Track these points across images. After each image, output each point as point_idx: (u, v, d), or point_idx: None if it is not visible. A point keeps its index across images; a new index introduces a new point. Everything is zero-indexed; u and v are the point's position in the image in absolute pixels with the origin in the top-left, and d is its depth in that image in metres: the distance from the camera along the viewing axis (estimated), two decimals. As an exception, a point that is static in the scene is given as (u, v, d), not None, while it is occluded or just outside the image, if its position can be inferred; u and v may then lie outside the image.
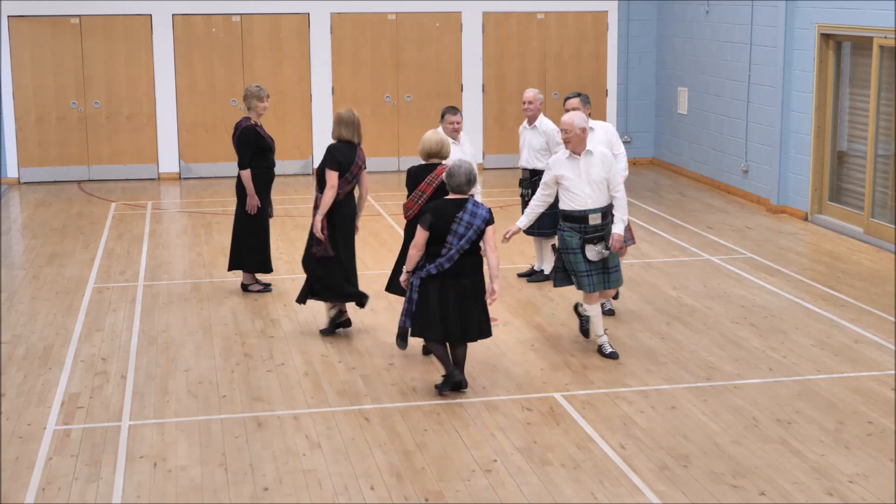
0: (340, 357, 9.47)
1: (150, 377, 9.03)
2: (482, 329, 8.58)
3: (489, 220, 8.37)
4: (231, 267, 11.48)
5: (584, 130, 9.06)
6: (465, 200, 8.38)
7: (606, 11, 19.06)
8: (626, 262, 12.52)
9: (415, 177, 9.28)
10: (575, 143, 9.07)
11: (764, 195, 15.68)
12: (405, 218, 9.38)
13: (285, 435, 7.83)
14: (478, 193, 9.70)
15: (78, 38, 17.78)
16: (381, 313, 10.66)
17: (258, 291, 11.41)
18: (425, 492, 6.95)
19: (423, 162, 9.37)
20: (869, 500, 6.81)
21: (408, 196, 9.26)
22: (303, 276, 11.01)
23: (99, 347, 9.78)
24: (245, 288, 11.46)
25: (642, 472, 7.20)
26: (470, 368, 9.12)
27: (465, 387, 8.62)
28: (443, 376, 8.64)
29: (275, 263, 11.94)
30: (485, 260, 8.48)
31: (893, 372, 9.01)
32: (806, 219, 14.73)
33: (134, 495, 6.95)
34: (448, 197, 8.45)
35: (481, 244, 8.41)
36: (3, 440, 7.75)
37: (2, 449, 7.61)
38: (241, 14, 18.11)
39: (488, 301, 8.46)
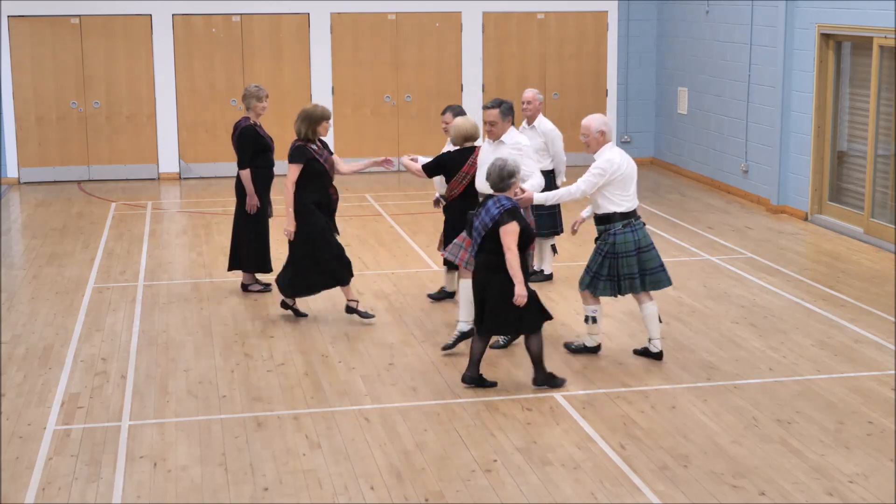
0: (340, 357, 9.47)
1: (150, 377, 9.03)
2: (500, 325, 8.56)
3: (498, 221, 8.35)
4: (231, 267, 11.48)
5: (602, 133, 9.03)
6: (489, 197, 8.54)
7: (606, 11, 19.06)
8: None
9: (453, 161, 9.89)
10: (593, 146, 9.11)
11: (764, 195, 15.68)
12: (448, 199, 10.01)
13: (285, 435, 7.83)
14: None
15: (78, 38, 17.78)
16: (381, 313, 10.66)
17: (258, 291, 11.41)
18: (425, 492, 6.95)
19: (456, 147, 9.95)
20: (869, 500, 6.81)
21: (448, 180, 9.92)
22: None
23: (99, 347, 9.78)
24: (245, 288, 11.46)
25: (642, 472, 7.20)
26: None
27: (546, 384, 8.71)
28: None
29: (274, 263, 11.90)
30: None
31: (893, 372, 9.01)
32: (806, 219, 14.72)
33: (134, 495, 6.95)
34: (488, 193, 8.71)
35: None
36: (3, 440, 7.75)
37: (2, 449, 7.61)
38: (241, 14, 18.11)
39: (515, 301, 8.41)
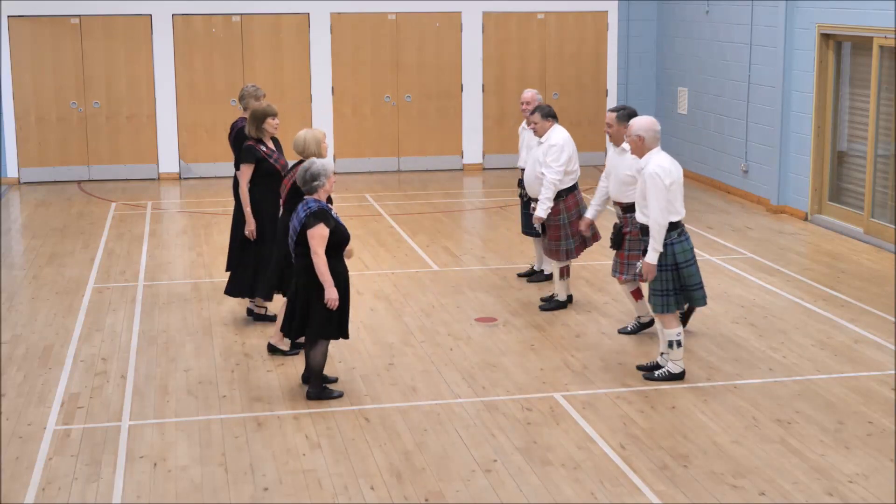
0: (340, 357, 9.47)
1: (150, 377, 9.03)
2: (301, 329, 8.36)
3: (305, 224, 8.12)
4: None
5: (640, 139, 8.55)
6: (302, 202, 8.32)
7: (606, 11, 19.06)
8: (626, 262, 12.51)
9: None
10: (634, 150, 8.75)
11: (764, 195, 15.68)
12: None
13: (285, 435, 7.83)
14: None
15: (78, 38, 17.78)
16: (381, 313, 10.66)
17: (258, 291, 11.39)
18: (425, 492, 6.95)
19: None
20: (869, 500, 6.81)
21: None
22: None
23: (99, 347, 9.78)
24: (245, 288, 11.45)
25: (642, 472, 7.20)
26: (470, 368, 9.13)
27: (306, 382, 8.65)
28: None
29: (275, 263, 11.93)
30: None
31: (893, 372, 9.01)
32: (806, 219, 14.73)
33: (134, 495, 6.95)
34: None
35: None
36: (3, 440, 7.76)
37: (2, 449, 7.61)
38: (241, 14, 18.11)
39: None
